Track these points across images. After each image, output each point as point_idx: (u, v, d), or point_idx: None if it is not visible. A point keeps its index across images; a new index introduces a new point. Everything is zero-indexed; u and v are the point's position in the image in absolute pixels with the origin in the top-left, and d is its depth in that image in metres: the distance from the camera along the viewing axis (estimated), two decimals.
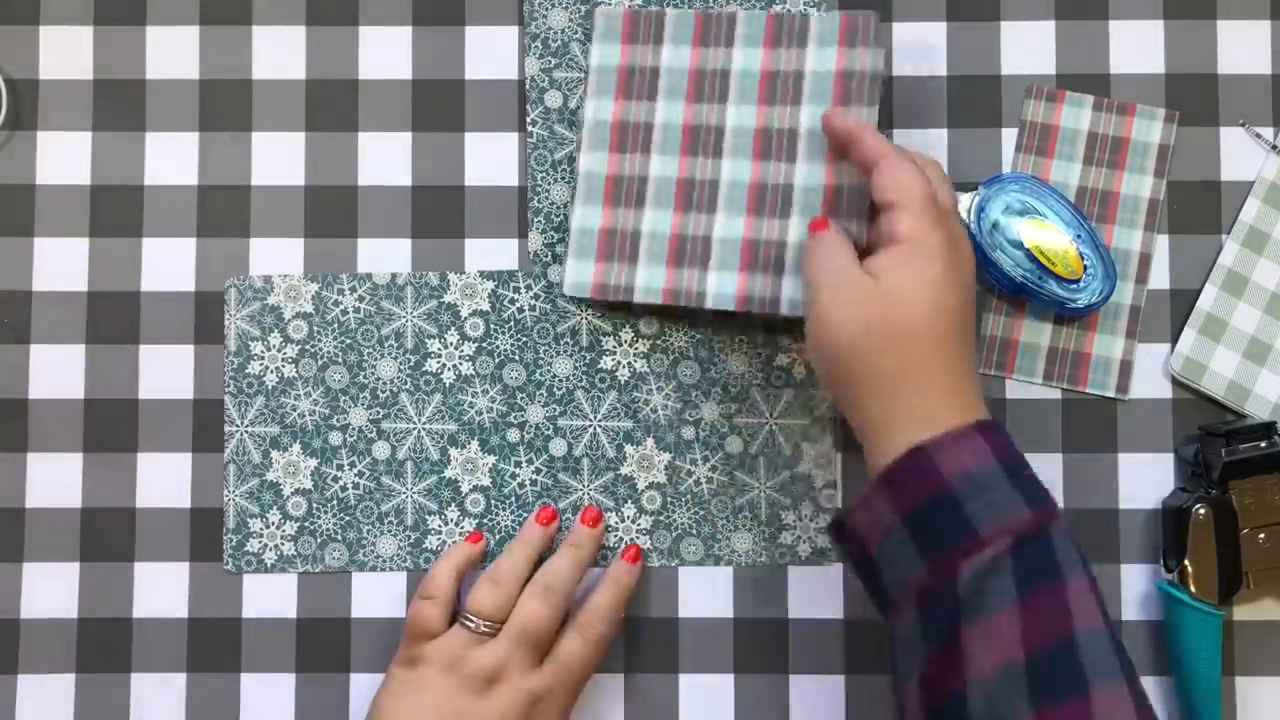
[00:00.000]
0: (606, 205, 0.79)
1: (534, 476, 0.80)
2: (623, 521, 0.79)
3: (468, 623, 0.74)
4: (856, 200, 0.75)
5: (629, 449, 0.80)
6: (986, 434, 0.64)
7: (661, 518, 0.79)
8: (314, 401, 0.80)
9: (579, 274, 0.79)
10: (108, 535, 0.80)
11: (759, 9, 0.80)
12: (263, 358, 0.80)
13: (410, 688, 0.73)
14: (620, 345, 0.80)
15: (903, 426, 0.65)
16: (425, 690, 0.72)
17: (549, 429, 0.80)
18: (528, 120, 0.81)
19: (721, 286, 0.77)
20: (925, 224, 0.68)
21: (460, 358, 0.80)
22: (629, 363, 0.80)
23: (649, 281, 0.78)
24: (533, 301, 0.80)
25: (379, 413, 0.80)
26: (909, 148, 0.81)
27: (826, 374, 0.69)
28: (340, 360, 0.80)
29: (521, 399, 0.80)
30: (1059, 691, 0.59)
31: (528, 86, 0.81)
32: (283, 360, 0.80)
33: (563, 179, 0.81)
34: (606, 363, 0.80)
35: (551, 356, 0.80)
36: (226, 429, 0.80)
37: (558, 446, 0.80)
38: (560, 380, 0.80)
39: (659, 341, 0.80)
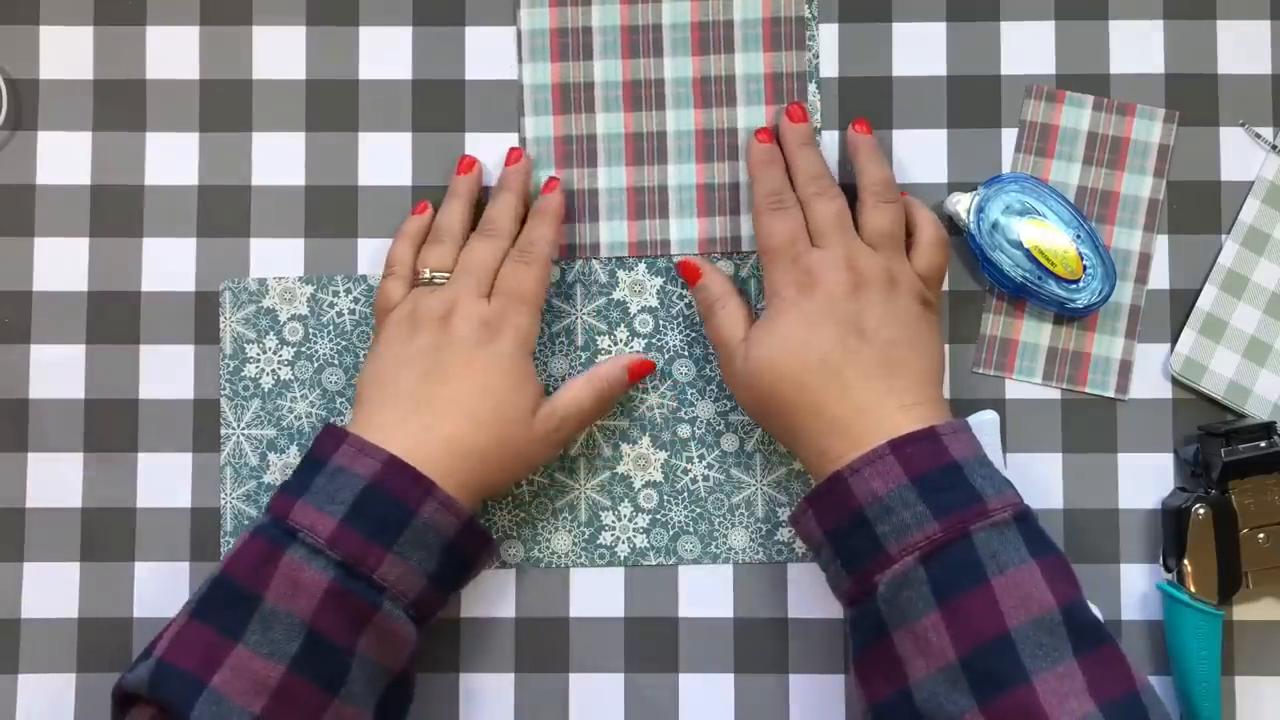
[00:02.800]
0: (558, 168, 0.80)
1: (531, 475, 0.80)
2: (620, 520, 0.79)
3: (421, 277, 0.77)
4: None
5: (625, 447, 0.80)
6: (901, 450, 0.68)
7: (658, 516, 0.79)
8: (310, 404, 0.80)
9: None
10: (108, 535, 0.80)
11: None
12: (258, 360, 0.80)
13: (376, 352, 0.75)
14: (615, 344, 0.80)
15: (816, 466, 0.71)
16: (389, 345, 0.75)
17: None
18: (520, 115, 0.81)
19: (683, 232, 0.80)
20: (778, 279, 0.74)
21: None
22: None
23: (613, 236, 0.80)
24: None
25: None
26: (909, 148, 0.81)
27: (750, 413, 0.77)
28: (336, 362, 0.80)
29: None
30: (1000, 685, 0.63)
31: (523, 93, 0.81)
32: (279, 362, 0.80)
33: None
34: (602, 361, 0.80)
35: (547, 356, 0.80)
36: (223, 431, 0.80)
37: None
38: (555, 380, 0.80)
39: (654, 340, 0.80)
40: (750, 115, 0.80)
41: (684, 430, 0.80)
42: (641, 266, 0.80)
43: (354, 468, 0.70)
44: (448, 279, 0.76)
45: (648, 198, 0.80)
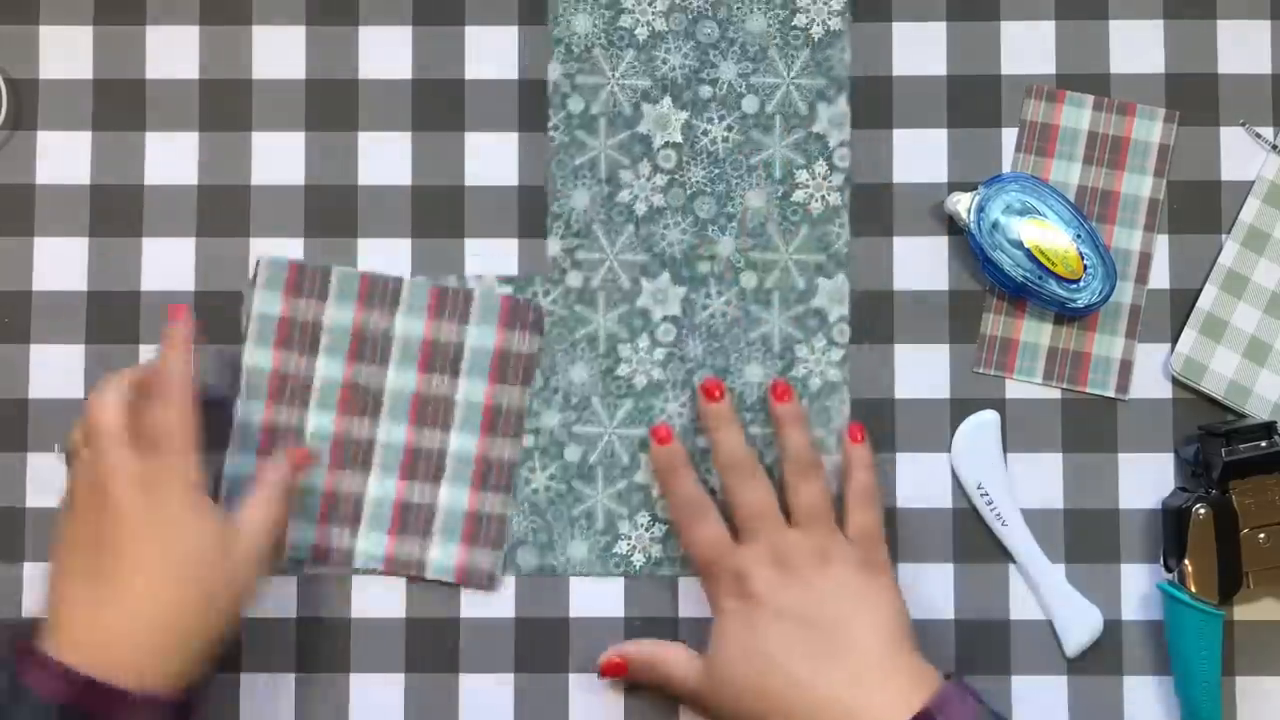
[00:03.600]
0: (261, 455, 0.79)
1: (549, 483, 0.79)
2: (636, 530, 0.79)
3: (63, 454, 0.73)
4: (504, 474, 0.79)
5: (643, 457, 0.79)
6: None
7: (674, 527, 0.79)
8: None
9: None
10: None
11: (424, 280, 0.80)
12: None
13: (53, 545, 0.71)
14: (637, 353, 0.80)
15: None
16: (60, 536, 0.71)
17: (564, 435, 0.80)
18: (549, 125, 0.81)
19: (370, 547, 0.79)
20: (712, 587, 0.75)
21: None
22: (646, 370, 0.80)
23: (296, 537, 0.79)
24: (551, 306, 0.80)
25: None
26: (909, 148, 0.81)
27: None
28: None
29: (537, 405, 0.80)
30: None
31: (550, 91, 0.81)
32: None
33: (583, 185, 0.80)
34: (623, 370, 0.80)
35: (569, 364, 0.80)
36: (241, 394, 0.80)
37: (572, 453, 0.80)
38: (576, 386, 0.80)
39: (675, 350, 0.80)
40: (461, 440, 0.79)
41: (703, 440, 0.79)
42: (665, 275, 0.80)
43: (42, 691, 0.65)
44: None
45: (341, 504, 0.79)
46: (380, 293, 0.80)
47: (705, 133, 0.80)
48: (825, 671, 0.70)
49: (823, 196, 0.80)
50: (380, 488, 0.79)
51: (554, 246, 0.81)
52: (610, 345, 0.80)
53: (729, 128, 0.80)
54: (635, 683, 0.77)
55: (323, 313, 0.80)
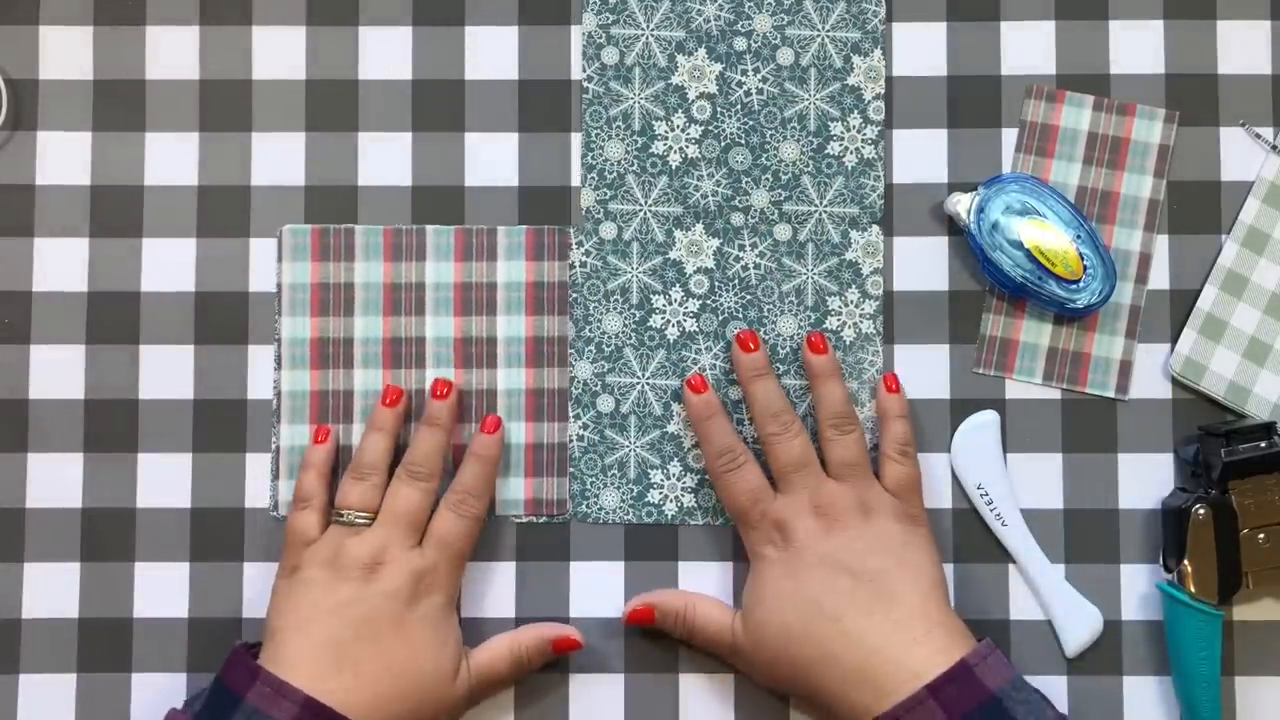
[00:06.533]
0: (313, 423, 0.79)
1: (581, 432, 0.80)
2: (668, 479, 0.79)
3: (340, 518, 0.75)
4: (556, 403, 0.79)
5: (676, 407, 0.80)
6: (940, 694, 0.68)
7: (705, 477, 0.79)
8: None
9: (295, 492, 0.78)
10: (108, 535, 0.80)
11: (446, 226, 0.80)
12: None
13: (295, 592, 0.73)
14: (670, 304, 0.80)
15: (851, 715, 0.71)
16: (310, 589, 0.73)
17: (597, 385, 0.80)
18: (585, 73, 0.81)
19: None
20: (751, 536, 0.75)
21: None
22: (678, 321, 0.80)
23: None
24: (584, 259, 0.80)
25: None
26: (909, 148, 0.81)
27: (767, 686, 0.76)
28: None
29: (571, 355, 0.80)
30: None
31: (584, 42, 0.81)
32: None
33: (617, 135, 0.81)
34: (656, 321, 0.80)
35: (601, 313, 0.80)
36: (275, 375, 0.80)
37: (605, 403, 0.80)
38: (610, 337, 0.80)
39: (709, 301, 0.80)
40: (508, 376, 0.80)
41: (735, 392, 0.79)
42: (699, 227, 0.80)
43: (270, 712, 0.68)
44: (369, 520, 0.75)
45: (398, 456, 0.78)
46: (406, 244, 0.80)
47: (740, 84, 0.80)
48: (870, 620, 0.70)
49: (857, 149, 0.80)
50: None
51: (588, 198, 0.81)
52: (644, 296, 0.80)
53: (764, 79, 0.80)
54: (661, 630, 0.77)
55: (353, 272, 0.80)
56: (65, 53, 0.82)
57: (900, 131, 0.81)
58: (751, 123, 0.80)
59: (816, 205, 0.80)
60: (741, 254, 0.80)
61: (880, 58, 0.80)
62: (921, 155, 0.81)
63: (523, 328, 0.80)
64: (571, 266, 0.80)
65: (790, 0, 0.81)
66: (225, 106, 0.82)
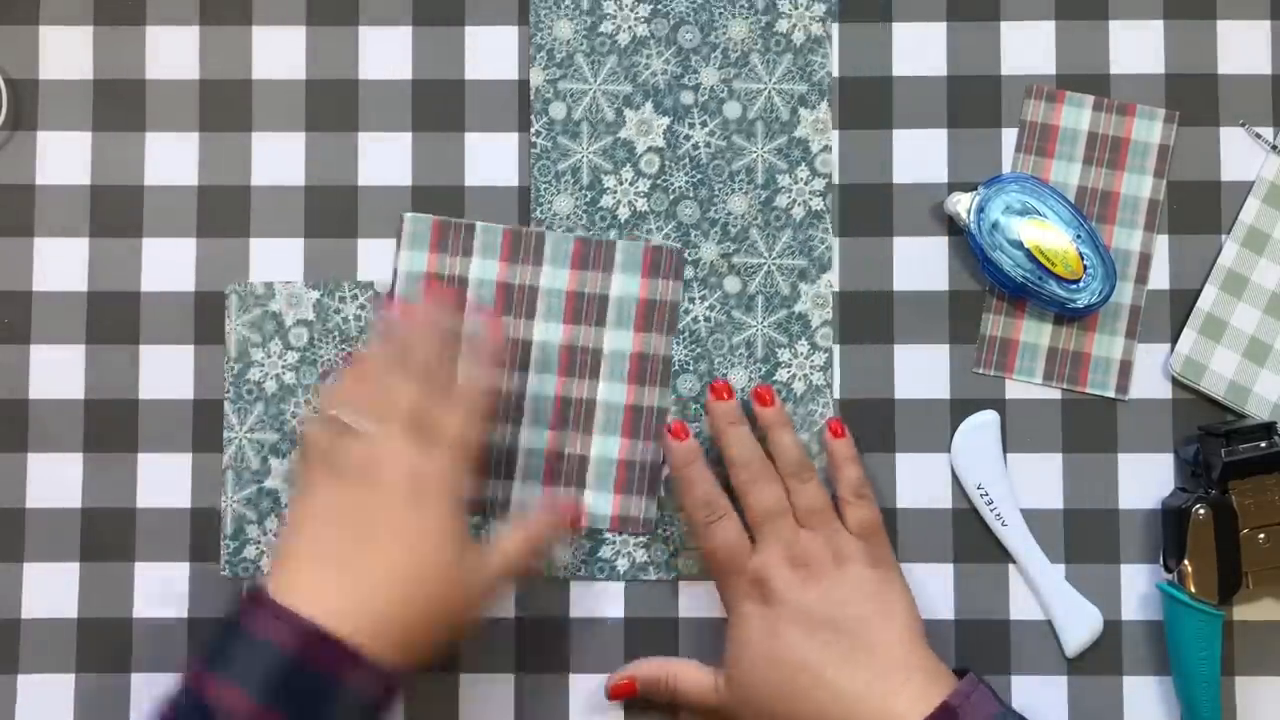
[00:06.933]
0: None
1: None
2: (619, 535, 0.79)
3: (336, 416, 0.70)
4: (653, 422, 0.79)
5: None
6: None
7: (658, 530, 0.79)
8: (314, 409, 0.80)
9: None
10: (108, 535, 0.80)
11: (565, 232, 0.80)
12: (263, 364, 0.80)
13: (303, 498, 0.71)
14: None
15: None
16: (311, 495, 0.70)
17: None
18: (532, 130, 0.81)
19: (526, 498, 0.79)
20: (730, 591, 0.75)
21: None
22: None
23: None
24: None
25: None
26: (909, 148, 0.81)
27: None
28: (343, 367, 0.80)
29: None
30: None
31: (532, 97, 0.81)
32: (283, 367, 0.80)
33: (566, 190, 0.80)
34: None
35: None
36: (226, 435, 0.80)
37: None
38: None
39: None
40: (611, 392, 0.79)
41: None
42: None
43: (273, 638, 0.65)
44: (366, 424, 0.70)
45: (496, 457, 0.79)
46: (524, 247, 0.80)
47: (687, 138, 0.80)
48: (851, 672, 0.70)
49: (805, 201, 0.80)
50: (532, 439, 0.79)
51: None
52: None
53: (711, 132, 0.80)
54: (648, 699, 0.77)
55: (468, 269, 0.80)
56: (65, 53, 0.82)
57: (900, 131, 0.81)
58: (700, 176, 0.80)
59: (765, 258, 0.80)
60: (691, 305, 0.80)
61: (827, 110, 0.80)
62: (921, 155, 0.81)
63: (629, 343, 0.79)
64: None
65: (737, 54, 0.80)
66: (225, 106, 0.82)
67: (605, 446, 0.79)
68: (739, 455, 0.76)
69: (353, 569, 0.67)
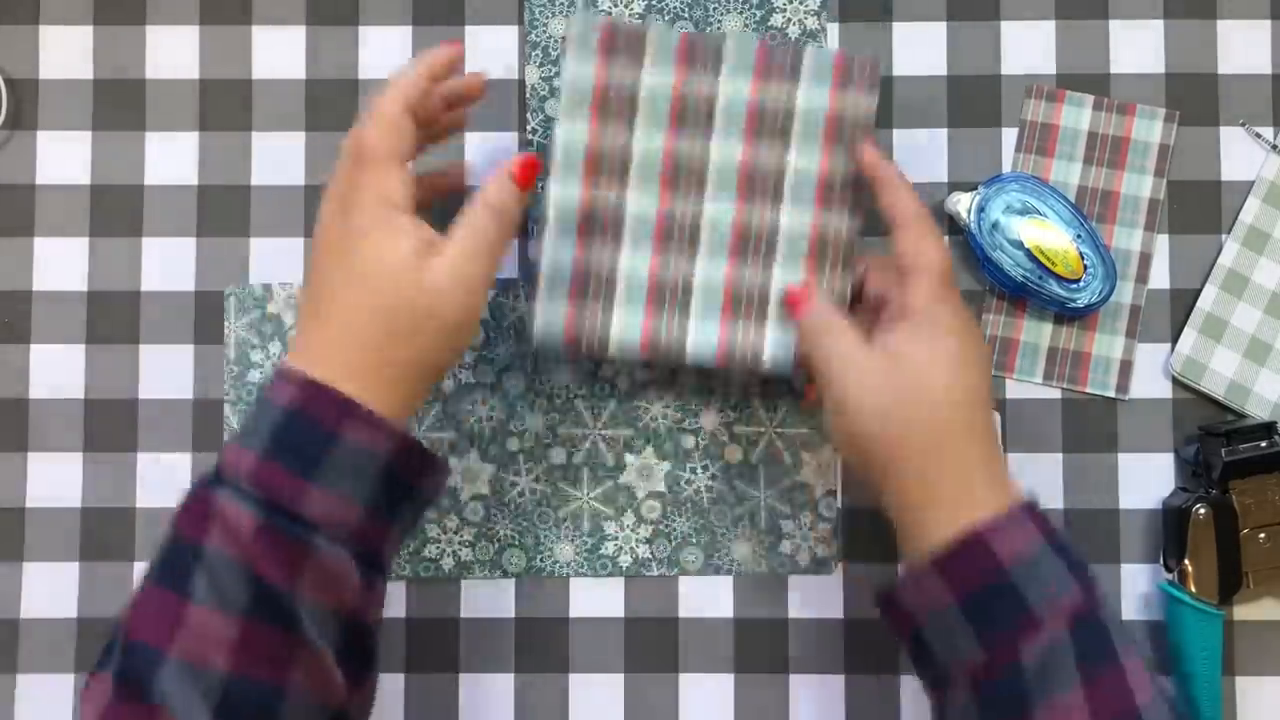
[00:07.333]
0: (580, 240, 0.73)
1: (534, 485, 0.79)
2: (622, 530, 0.79)
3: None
4: (842, 252, 0.73)
5: (629, 458, 0.79)
6: (1033, 514, 0.64)
7: (661, 527, 0.79)
8: None
9: (551, 318, 0.73)
10: (108, 535, 0.80)
11: (751, 30, 0.79)
12: (262, 366, 0.80)
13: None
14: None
15: (943, 507, 0.64)
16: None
17: (549, 437, 0.80)
18: (527, 128, 0.81)
19: (702, 336, 0.73)
20: (942, 297, 0.67)
21: (460, 367, 0.80)
22: (629, 371, 0.80)
23: (625, 334, 0.73)
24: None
25: None
26: (909, 148, 0.81)
27: (853, 459, 0.68)
28: None
29: (521, 408, 0.80)
30: None
31: (528, 95, 0.81)
32: None
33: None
34: (606, 371, 0.80)
35: (551, 365, 0.80)
36: (226, 436, 0.80)
37: (558, 455, 0.80)
38: (560, 389, 0.80)
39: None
40: (797, 218, 0.73)
41: (688, 441, 0.79)
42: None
43: (272, 397, 0.63)
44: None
45: (669, 291, 0.73)
46: (701, 52, 0.73)
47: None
48: (987, 434, 0.66)
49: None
50: (709, 270, 0.73)
51: (535, 249, 0.80)
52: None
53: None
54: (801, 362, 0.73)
55: (639, 78, 0.73)
56: (65, 53, 0.82)
57: (900, 131, 0.81)
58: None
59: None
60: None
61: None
62: (921, 155, 0.81)
63: (816, 163, 0.72)
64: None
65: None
66: (225, 106, 0.82)
67: (787, 278, 0.73)
68: (912, 205, 0.69)
69: (316, 310, 0.65)
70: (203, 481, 0.63)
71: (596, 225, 0.73)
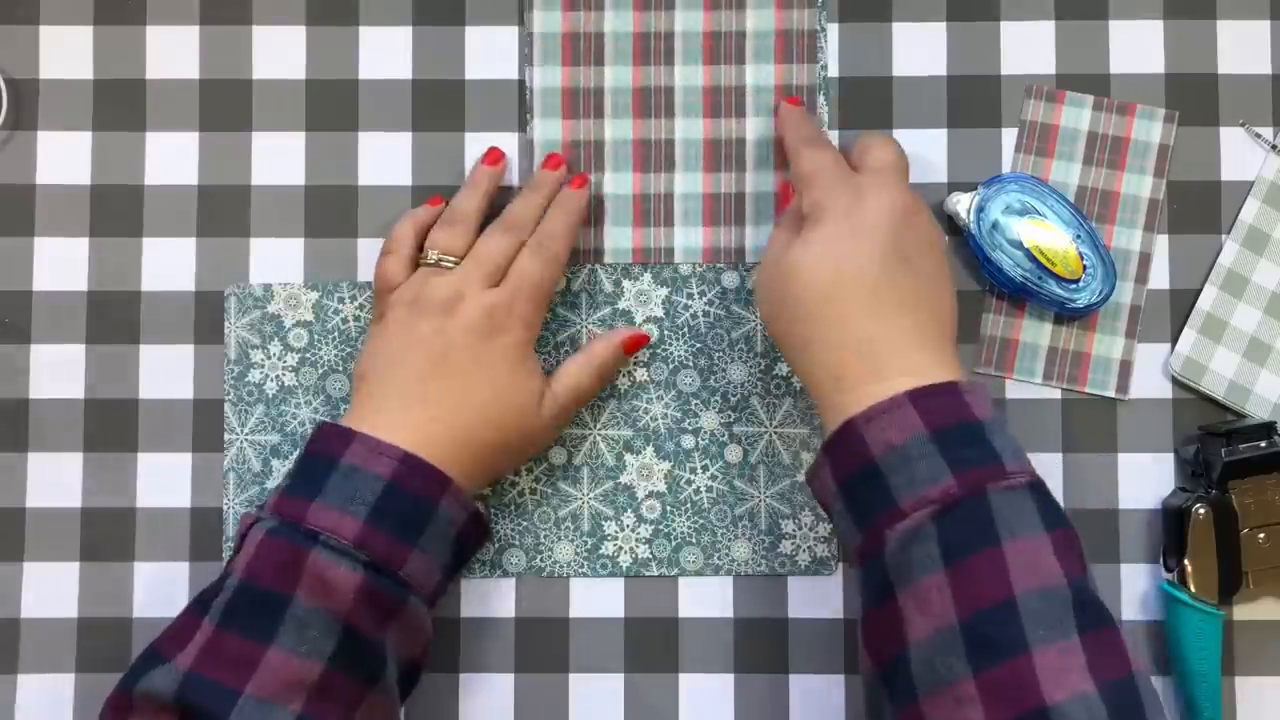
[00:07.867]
0: (567, 169, 0.80)
1: (534, 485, 0.79)
2: (622, 530, 0.79)
3: (427, 258, 0.75)
4: None
5: (629, 457, 0.79)
6: (920, 401, 0.65)
7: (661, 527, 0.79)
8: (314, 410, 0.80)
9: None
10: (108, 535, 0.80)
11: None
12: (263, 366, 0.80)
13: (377, 335, 0.75)
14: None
15: (828, 393, 0.68)
16: (392, 330, 0.74)
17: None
18: (528, 128, 0.81)
19: (688, 241, 0.80)
20: (823, 195, 0.71)
21: None
22: (629, 371, 0.80)
23: (617, 242, 0.80)
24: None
25: None
26: (909, 148, 0.81)
27: (773, 341, 0.75)
28: (340, 369, 0.80)
29: None
30: (996, 653, 0.60)
31: (528, 95, 0.81)
32: (283, 369, 0.80)
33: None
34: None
35: (551, 365, 0.80)
36: (226, 437, 0.80)
37: (558, 455, 0.80)
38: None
39: (659, 350, 0.80)
40: (759, 126, 0.81)
41: (688, 441, 0.79)
42: (647, 276, 0.80)
43: (370, 468, 0.69)
44: (455, 265, 0.75)
45: (653, 205, 0.80)
46: None
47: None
48: (900, 309, 0.68)
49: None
50: (687, 184, 0.80)
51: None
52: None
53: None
54: None
55: (603, 22, 0.81)
56: (65, 53, 0.82)
57: (900, 131, 0.81)
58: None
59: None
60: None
61: None
62: (921, 155, 0.81)
63: (771, 76, 0.80)
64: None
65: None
66: (225, 106, 0.82)
67: (761, 183, 0.80)
68: (792, 142, 0.76)
69: (433, 399, 0.72)
70: (278, 534, 0.68)
71: (579, 156, 0.81)
